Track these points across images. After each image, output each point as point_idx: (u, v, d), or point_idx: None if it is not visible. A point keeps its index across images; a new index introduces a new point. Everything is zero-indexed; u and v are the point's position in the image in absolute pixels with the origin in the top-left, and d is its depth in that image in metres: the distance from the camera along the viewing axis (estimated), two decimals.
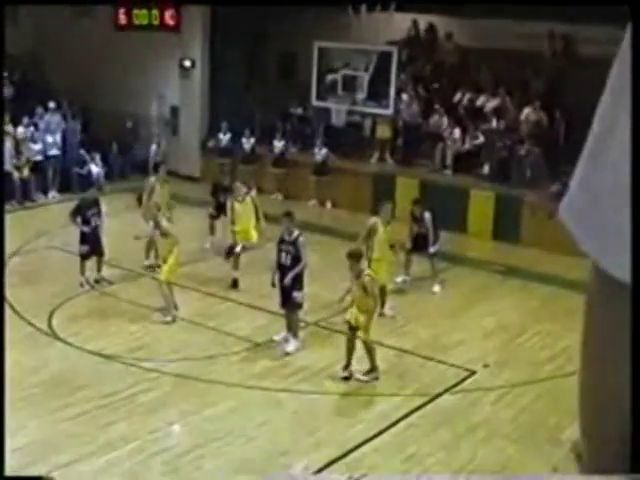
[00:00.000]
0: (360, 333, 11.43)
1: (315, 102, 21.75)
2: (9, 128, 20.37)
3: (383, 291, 13.23)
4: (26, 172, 20.52)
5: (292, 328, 12.47)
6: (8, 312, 12.57)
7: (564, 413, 9.94)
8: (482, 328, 13.55)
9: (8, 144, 19.92)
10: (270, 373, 11.76)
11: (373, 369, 11.55)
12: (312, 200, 21.06)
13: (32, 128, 21.17)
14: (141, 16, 21.56)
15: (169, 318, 13.31)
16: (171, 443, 9.98)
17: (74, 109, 22.67)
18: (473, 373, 11.98)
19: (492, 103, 20.64)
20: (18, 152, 20.47)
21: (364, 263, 12.12)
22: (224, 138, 22.20)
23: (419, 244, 14.94)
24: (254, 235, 14.97)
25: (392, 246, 13.94)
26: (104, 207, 15.54)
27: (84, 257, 14.68)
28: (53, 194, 21.16)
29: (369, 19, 22.20)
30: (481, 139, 20.38)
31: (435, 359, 12.39)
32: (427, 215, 14.88)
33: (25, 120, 20.99)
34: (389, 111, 20.93)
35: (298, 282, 12.31)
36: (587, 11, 15.94)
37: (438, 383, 11.64)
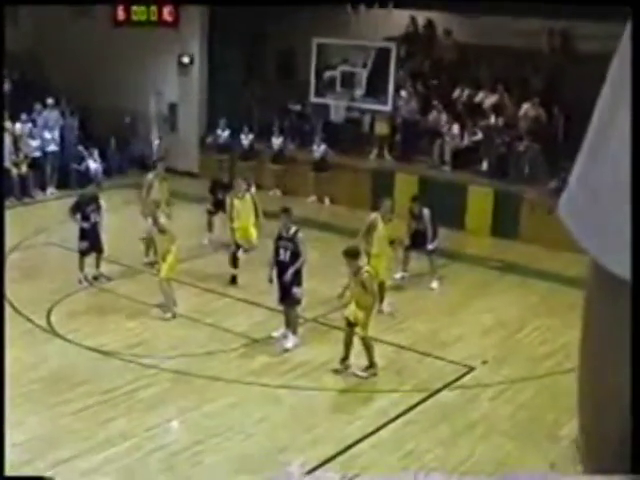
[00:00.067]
0: (358, 330, 11.44)
1: (314, 98, 21.73)
2: (7, 124, 20.34)
3: (382, 287, 13.24)
4: (24, 168, 20.50)
5: (291, 324, 12.47)
6: (6, 309, 12.56)
7: (562, 409, 9.95)
8: (481, 324, 13.56)
9: (7, 140, 19.90)
10: (268, 369, 11.76)
11: (371, 366, 11.55)
12: (311, 196, 21.06)
13: (30, 124, 21.16)
14: (139, 12, 21.50)
15: (169, 315, 13.31)
16: (170, 439, 9.99)
17: (72, 105, 22.65)
18: (472, 369, 11.99)
19: (491, 99, 20.64)
20: (16, 148, 20.46)
21: (363, 259, 12.12)
22: (223, 134, 22.18)
23: (417, 241, 14.94)
24: (253, 233, 14.91)
25: (392, 242, 13.95)
26: (103, 203, 15.51)
27: (83, 253, 14.67)
28: (51, 190, 21.14)
29: (367, 15, 22.18)
30: (480, 135, 20.37)
31: (433, 355, 12.40)
32: (426, 212, 14.89)
33: (23, 116, 20.98)
34: (388, 107, 20.91)
35: (298, 278, 12.32)
36: (585, 8, 15.95)
37: (436, 379, 11.65)
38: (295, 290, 12.28)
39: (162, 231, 13.50)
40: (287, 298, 12.36)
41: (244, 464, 9.26)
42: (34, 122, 21.39)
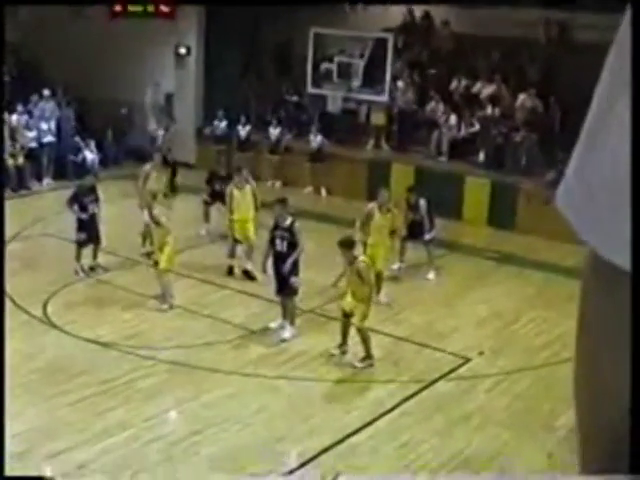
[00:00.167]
0: (355, 320, 11.44)
1: (310, 89, 21.69)
2: (4, 115, 20.30)
3: (379, 277, 13.25)
4: (21, 159, 20.46)
5: (288, 315, 12.48)
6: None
7: (559, 400, 9.97)
8: (477, 315, 13.57)
9: (4, 132, 19.86)
10: (266, 360, 11.77)
11: (368, 356, 11.57)
12: (308, 187, 21.04)
13: (26, 116, 21.11)
14: (136, 3, 21.44)
15: (166, 306, 13.30)
16: (167, 430, 10.00)
17: (69, 96, 22.60)
18: (468, 360, 12.00)
19: (488, 90, 20.62)
20: (13, 139, 20.41)
21: (359, 249, 12.10)
22: (220, 125, 22.15)
23: (414, 231, 14.93)
24: (250, 229, 14.77)
25: (393, 232, 13.96)
26: (100, 194, 15.49)
27: (81, 245, 14.63)
28: (48, 181, 21.10)
29: (365, 9, 22.15)
30: (477, 126, 20.36)
31: (430, 346, 12.41)
32: (422, 202, 14.88)
33: (19, 108, 20.93)
34: (384, 98, 20.89)
35: (295, 268, 12.31)
36: None
37: (433, 370, 11.66)
38: (293, 280, 12.28)
39: (156, 223, 13.46)
40: (285, 288, 12.36)
41: (242, 454, 9.27)
42: (30, 113, 21.33)
